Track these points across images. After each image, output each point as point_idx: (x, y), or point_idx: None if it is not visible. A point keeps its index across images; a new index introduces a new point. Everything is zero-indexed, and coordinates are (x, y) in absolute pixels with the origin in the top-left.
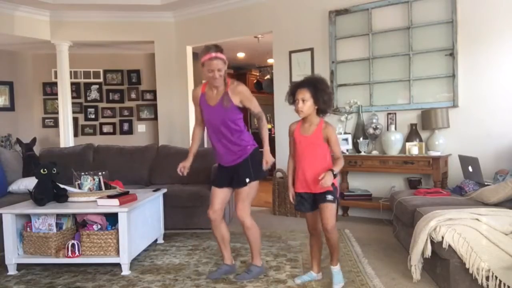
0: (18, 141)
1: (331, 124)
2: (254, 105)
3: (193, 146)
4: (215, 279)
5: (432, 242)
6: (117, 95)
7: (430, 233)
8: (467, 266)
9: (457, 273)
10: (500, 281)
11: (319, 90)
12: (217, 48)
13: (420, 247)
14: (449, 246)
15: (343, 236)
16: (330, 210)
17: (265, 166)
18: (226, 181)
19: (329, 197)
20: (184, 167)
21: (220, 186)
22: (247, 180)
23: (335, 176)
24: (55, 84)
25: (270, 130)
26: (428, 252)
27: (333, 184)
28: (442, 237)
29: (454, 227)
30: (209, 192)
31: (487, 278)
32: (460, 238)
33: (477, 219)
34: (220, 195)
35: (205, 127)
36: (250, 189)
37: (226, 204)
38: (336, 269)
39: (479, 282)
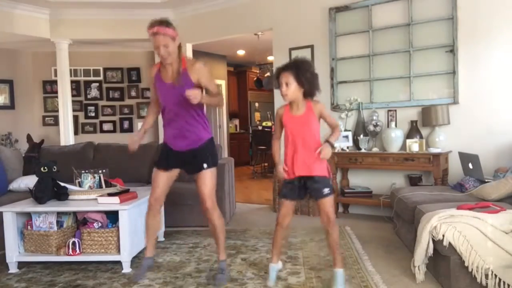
0: (28, 137)
1: (319, 101)
2: (213, 85)
3: (146, 121)
4: (141, 279)
5: (433, 240)
6: (117, 93)
7: (431, 231)
8: (466, 264)
9: (457, 271)
10: (500, 279)
11: (301, 70)
12: (162, 22)
13: (423, 246)
14: (450, 244)
15: (344, 233)
16: (329, 202)
17: (191, 97)
18: (173, 163)
19: (326, 190)
20: (133, 142)
21: (166, 168)
22: (205, 165)
23: (333, 146)
24: (55, 82)
25: (270, 127)
26: (430, 251)
27: (327, 177)
28: (443, 235)
29: (454, 224)
30: None
31: (487, 276)
32: (461, 236)
33: (478, 218)
34: (163, 179)
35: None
36: (213, 175)
37: (167, 191)
38: (340, 271)
39: (479, 280)
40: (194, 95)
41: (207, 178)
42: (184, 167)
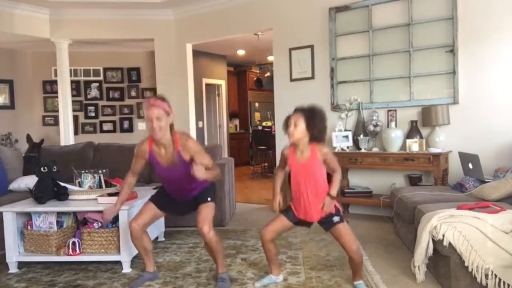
0: (28, 137)
1: (321, 144)
2: (206, 160)
3: (123, 193)
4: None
5: (433, 240)
6: (117, 93)
7: (431, 231)
8: (466, 264)
9: (457, 270)
10: (500, 279)
11: (316, 117)
12: (158, 97)
13: (423, 246)
14: (450, 244)
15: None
16: (346, 231)
17: (196, 171)
18: (170, 207)
19: (336, 219)
20: (110, 213)
21: (160, 207)
22: (209, 199)
23: (333, 198)
24: (55, 82)
25: (270, 127)
26: (430, 251)
27: (335, 206)
28: (443, 235)
29: (454, 224)
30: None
31: (487, 276)
32: (460, 236)
33: (478, 218)
34: (151, 213)
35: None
36: (213, 208)
37: (151, 224)
38: (361, 283)
39: (479, 280)
40: (199, 174)
41: (208, 207)
42: (185, 210)
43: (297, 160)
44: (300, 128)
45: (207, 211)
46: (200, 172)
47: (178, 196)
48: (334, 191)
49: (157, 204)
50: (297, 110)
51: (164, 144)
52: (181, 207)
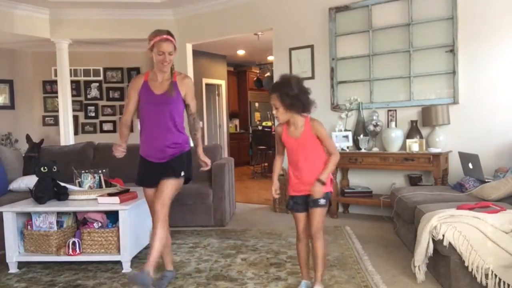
0: (27, 137)
1: (317, 119)
2: (194, 104)
3: (125, 134)
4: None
5: (433, 240)
6: (117, 93)
7: (431, 231)
8: (466, 264)
9: (457, 270)
10: (500, 279)
11: (284, 92)
12: (168, 32)
13: (423, 246)
14: (450, 244)
15: (344, 233)
16: (320, 214)
17: (206, 167)
18: (154, 179)
19: (322, 201)
20: (121, 149)
21: (151, 185)
22: (182, 173)
23: (323, 183)
24: (55, 82)
25: (270, 127)
26: (430, 251)
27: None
28: (443, 235)
29: (454, 224)
30: (210, 189)
31: (487, 276)
32: (461, 236)
33: (478, 218)
34: (148, 194)
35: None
36: (177, 184)
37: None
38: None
39: (479, 280)
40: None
41: (168, 184)
42: (161, 175)
43: (291, 137)
44: (280, 110)
45: (168, 188)
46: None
47: (158, 153)
48: (324, 175)
49: (145, 184)
50: (272, 89)
51: (163, 75)
52: (161, 170)
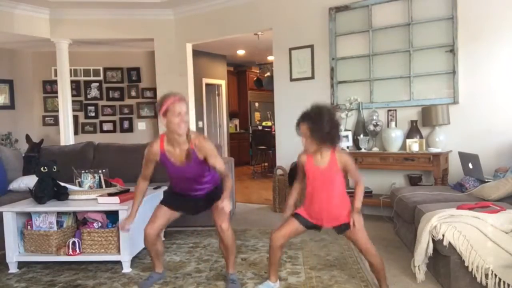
0: (27, 137)
1: (344, 151)
2: (219, 162)
3: (137, 201)
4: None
5: (433, 240)
6: (117, 93)
7: (431, 231)
8: (466, 264)
9: (457, 270)
10: (500, 279)
11: (317, 127)
12: (179, 94)
13: (423, 246)
14: (449, 243)
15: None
16: (360, 233)
17: (225, 208)
18: (184, 206)
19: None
20: (126, 226)
21: (174, 208)
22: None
23: (359, 211)
24: (55, 82)
25: (270, 127)
26: (430, 250)
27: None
28: (443, 235)
29: (454, 224)
30: None
31: (486, 276)
32: (460, 236)
33: (478, 217)
34: (166, 216)
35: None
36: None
37: (165, 227)
38: None
39: (479, 280)
40: (227, 207)
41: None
42: (199, 207)
43: (315, 165)
44: (309, 140)
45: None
46: (227, 206)
47: (186, 195)
48: (358, 204)
49: (171, 205)
50: (303, 118)
51: (179, 143)
52: (195, 204)
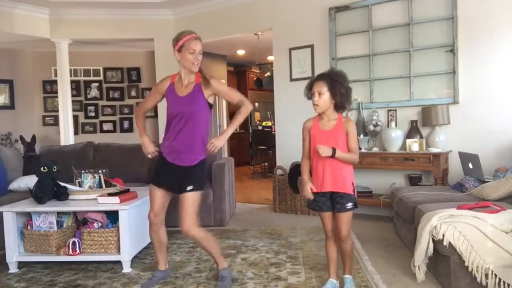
0: (21, 138)
1: (349, 118)
2: (231, 96)
3: (142, 125)
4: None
5: (433, 240)
6: (117, 93)
7: (431, 231)
8: (466, 264)
9: (457, 270)
10: (500, 279)
11: (336, 83)
12: (193, 32)
13: (423, 247)
14: (450, 243)
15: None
16: (347, 219)
17: (210, 147)
18: (166, 181)
19: (349, 205)
20: (151, 149)
21: (160, 186)
22: (189, 187)
23: (334, 154)
24: (55, 82)
25: (270, 127)
26: (430, 251)
27: (352, 194)
28: (443, 235)
29: (454, 224)
30: (210, 189)
31: (486, 276)
32: (460, 236)
33: (478, 217)
34: (159, 196)
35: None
36: (195, 198)
37: (166, 205)
38: (349, 277)
39: (479, 280)
40: (215, 146)
41: (189, 201)
42: (172, 184)
43: (321, 129)
44: (324, 97)
45: (188, 205)
46: (215, 144)
47: (173, 155)
48: (340, 153)
49: (156, 182)
50: (319, 78)
51: (189, 80)
52: (173, 177)
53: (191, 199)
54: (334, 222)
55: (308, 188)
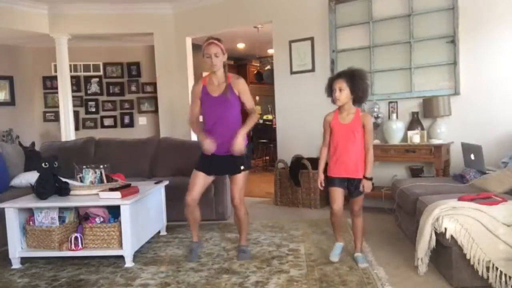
0: (20, 144)
1: (367, 113)
2: (249, 100)
3: (197, 128)
4: (195, 260)
5: (435, 232)
6: (117, 88)
7: (433, 224)
8: (467, 257)
9: (459, 262)
10: (501, 272)
11: (357, 80)
12: (215, 38)
13: (426, 239)
14: (451, 236)
15: (346, 225)
16: (361, 198)
17: (235, 146)
18: (214, 169)
19: (361, 188)
20: (210, 146)
21: (206, 173)
22: (242, 167)
23: (371, 179)
24: (55, 78)
25: (271, 121)
26: (433, 243)
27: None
28: (445, 228)
29: (456, 217)
30: (212, 183)
31: (488, 269)
32: (462, 229)
33: (480, 210)
34: (201, 182)
35: (201, 120)
36: (245, 177)
37: (203, 191)
38: (361, 255)
39: (480, 273)
40: (239, 146)
41: (240, 179)
42: (223, 170)
43: (340, 122)
44: (345, 93)
45: (241, 182)
46: (239, 145)
47: (221, 146)
48: (369, 170)
49: (204, 169)
50: (339, 75)
51: (218, 79)
52: (223, 165)
53: (243, 177)
54: (342, 199)
55: (320, 181)
